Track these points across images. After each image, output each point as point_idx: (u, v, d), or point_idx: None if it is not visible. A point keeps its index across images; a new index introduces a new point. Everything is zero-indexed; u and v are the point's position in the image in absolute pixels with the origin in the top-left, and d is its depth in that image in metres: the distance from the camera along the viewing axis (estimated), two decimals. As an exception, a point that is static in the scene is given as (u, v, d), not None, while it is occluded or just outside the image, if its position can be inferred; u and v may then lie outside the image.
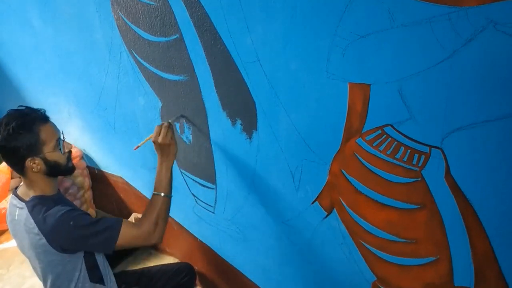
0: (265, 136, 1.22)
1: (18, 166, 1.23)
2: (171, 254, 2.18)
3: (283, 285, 1.53)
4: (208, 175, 1.55)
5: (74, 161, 2.24)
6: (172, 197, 1.33)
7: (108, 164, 2.24)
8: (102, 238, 1.21)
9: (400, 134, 0.92)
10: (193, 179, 1.65)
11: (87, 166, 2.38)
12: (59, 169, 1.28)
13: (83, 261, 1.30)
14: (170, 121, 1.34)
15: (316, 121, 1.06)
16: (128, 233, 1.23)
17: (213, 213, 1.64)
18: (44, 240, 1.20)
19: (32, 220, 1.22)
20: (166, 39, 1.33)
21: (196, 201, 1.71)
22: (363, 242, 1.14)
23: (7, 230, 2.53)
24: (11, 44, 2.26)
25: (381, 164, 0.98)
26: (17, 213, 1.28)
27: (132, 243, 1.26)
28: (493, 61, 0.73)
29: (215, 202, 1.60)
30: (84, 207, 2.40)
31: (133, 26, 1.42)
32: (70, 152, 1.32)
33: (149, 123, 1.66)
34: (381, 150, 0.97)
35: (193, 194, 1.70)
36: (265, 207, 1.39)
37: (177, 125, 1.51)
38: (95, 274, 1.35)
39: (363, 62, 0.90)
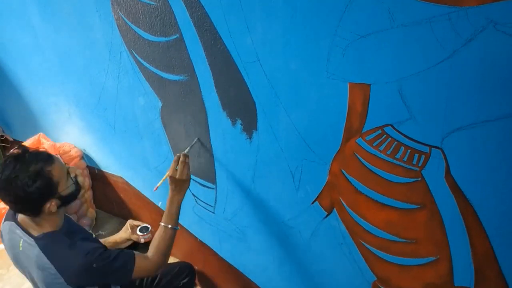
0: (265, 136, 1.22)
1: (34, 212, 1.18)
2: (171, 254, 2.18)
3: (283, 285, 1.53)
4: (208, 175, 1.55)
5: (74, 161, 2.24)
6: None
7: (108, 164, 2.24)
8: (119, 274, 1.25)
9: (400, 134, 0.92)
10: (193, 179, 1.65)
11: (87, 166, 2.38)
12: (73, 197, 1.26)
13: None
14: (186, 152, 1.38)
15: (316, 121, 1.06)
16: (141, 267, 1.27)
17: (213, 213, 1.64)
18: (62, 280, 1.18)
19: (47, 260, 1.17)
20: (166, 39, 1.33)
21: (196, 201, 1.71)
22: (363, 242, 1.14)
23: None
24: (11, 44, 2.25)
25: (381, 164, 0.98)
26: (21, 245, 1.22)
27: (144, 275, 1.32)
28: (493, 61, 0.73)
29: (215, 202, 1.60)
30: (84, 207, 2.40)
31: (133, 26, 1.42)
32: (75, 176, 1.29)
33: (149, 123, 1.66)
34: (381, 150, 0.97)
35: (193, 194, 1.70)
36: (265, 207, 1.39)
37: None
38: None
39: (363, 62, 0.90)
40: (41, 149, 1.22)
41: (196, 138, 1.47)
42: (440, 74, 0.80)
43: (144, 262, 1.28)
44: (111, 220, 2.48)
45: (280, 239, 1.40)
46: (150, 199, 2.05)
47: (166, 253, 1.33)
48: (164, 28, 1.31)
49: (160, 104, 1.55)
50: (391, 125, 0.93)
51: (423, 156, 0.90)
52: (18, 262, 1.29)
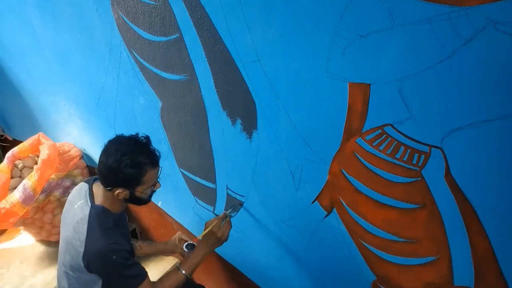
0: (265, 135, 1.22)
1: (107, 184, 1.25)
2: (170, 256, 2.18)
3: (283, 284, 1.54)
4: (208, 174, 1.55)
5: (74, 161, 2.24)
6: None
7: (108, 164, 2.24)
8: (124, 283, 1.27)
9: (400, 134, 0.92)
10: (193, 179, 1.65)
11: (87, 166, 2.38)
12: (137, 203, 1.33)
13: (101, 282, 1.32)
14: (228, 212, 1.39)
15: (316, 120, 1.06)
16: None
17: (213, 212, 1.64)
18: (82, 251, 1.23)
19: (85, 226, 1.25)
20: (166, 38, 1.33)
21: (196, 201, 1.71)
22: (363, 242, 1.14)
23: (7, 230, 2.53)
24: (11, 44, 2.25)
25: (381, 164, 0.98)
26: (78, 204, 1.32)
27: None
28: (493, 61, 0.73)
29: (215, 202, 1.60)
30: (84, 207, 2.40)
31: (133, 26, 1.42)
32: (154, 191, 1.35)
33: (149, 122, 1.66)
34: (381, 149, 0.97)
35: (193, 193, 1.70)
36: (265, 206, 1.39)
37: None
38: None
39: (363, 62, 0.90)
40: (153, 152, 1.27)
41: (240, 204, 1.47)
42: (440, 74, 0.80)
43: None
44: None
45: (280, 239, 1.40)
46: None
47: None
48: (164, 27, 1.31)
49: (160, 103, 1.55)
50: (391, 125, 0.93)
51: (423, 156, 0.90)
52: (65, 217, 1.37)
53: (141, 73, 1.54)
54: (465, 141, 0.83)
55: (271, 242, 1.45)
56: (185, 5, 1.20)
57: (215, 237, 1.34)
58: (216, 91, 1.28)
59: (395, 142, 0.93)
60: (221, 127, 1.35)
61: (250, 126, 1.25)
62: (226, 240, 1.36)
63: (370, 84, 0.92)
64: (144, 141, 1.27)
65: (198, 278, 2.00)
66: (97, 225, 1.25)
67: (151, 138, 1.67)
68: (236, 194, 1.47)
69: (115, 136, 1.27)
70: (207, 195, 1.62)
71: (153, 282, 1.33)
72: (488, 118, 0.78)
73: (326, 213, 1.19)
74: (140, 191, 1.26)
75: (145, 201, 1.33)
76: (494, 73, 0.74)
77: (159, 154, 1.29)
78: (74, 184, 2.29)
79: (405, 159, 0.93)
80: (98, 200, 1.31)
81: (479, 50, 0.74)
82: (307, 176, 1.18)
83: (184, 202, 1.78)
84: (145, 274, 1.30)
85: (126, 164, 1.18)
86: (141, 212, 2.26)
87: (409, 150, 0.92)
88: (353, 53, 0.91)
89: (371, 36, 0.86)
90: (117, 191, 1.23)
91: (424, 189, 0.93)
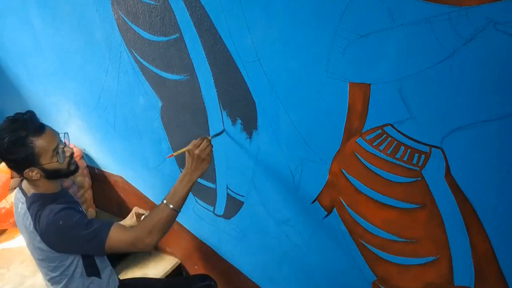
0: (265, 135, 1.22)
1: (18, 173, 1.25)
2: (171, 254, 2.18)
3: (283, 284, 1.54)
4: (208, 174, 1.55)
5: (74, 161, 2.24)
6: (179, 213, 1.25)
7: (108, 164, 2.24)
8: (90, 240, 1.18)
9: (400, 134, 0.92)
10: (193, 179, 1.65)
11: (87, 166, 2.38)
12: (60, 175, 1.28)
13: (81, 258, 1.31)
14: (210, 137, 1.28)
15: (316, 120, 1.06)
16: (117, 237, 1.19)
17: (213, 212, 1.64)
18: (38, 238, 1.22)
19: (29, 216, 1.24)
20: (166, 38, 1.33)
21: (196, 201, 1.71)
22: (363, 242, 1.14)
23: (7, 229, 2.53)
24: (11, 44, 2.25)
25: (381, 164, 0.98)
26: (19, 207, 1.31)
27: (121, 247, 1.21)
28: (493, 61, 0.73)
29: (215, 202, 1.60)
30: (84, 207, 2.40)
31: (133, 26, 1.42)
32: (71, 155, 1.30)
33: (149, 122, 1.66)
34: (381, 149, 0.97)
35: (193, 193, 1.70)
36: (265, 206, 1.39)
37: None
38: (92, 270, 1.35)
39: (363, 62, 0.90)
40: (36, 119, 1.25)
41: (223, 129, 1.36)
42: (440, 74, 0.80)
43: (120, 233, 1.19)
44: (111, 220, 2.48)
45: (280, 239, 1.40)
46: (150, 198, 2.05)
47: (152, 230, 1.18)
48: (164, 27, 1.31)
49: (160, 103, 1.55)
50: (391, 125, 0.93)
51: (423, 156, 0.90)
52: (18, 224, 1.35)
53: (141, 73, 1.54)
54: (465, 141, 0.83)
55: (271, 242, 1.45)
56: (185, 5, 1.20)
57: (194, 156, 1.19)
58: (216, 91, 1.28)
59: (395, 142, 0.93)
60: (221, 127, 1.35)
61: (250, 126, 1.25)
62: (208, 160, 1.21)
63: (370, 84, 0.92)
64: (20, 116, 1.22)
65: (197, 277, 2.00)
66: (37, 209, 1.23)
67: (152, 138, 1.67)
68: (236, 194, 1.47)
69: None
70: (207, 195, 1.62)
71: (130, 228, 1.24)
72: (488, 118, 0.78)
73: (326, 213, 1.19)
74: (47, 163, 1.21)
75: (66, 170, 1.27)
76: (494, 73, 0.74)
77: (39, 121, 1.24)
78: (74, 183, 2.30)
79: (405, 159, 0.93)
80: (29, 191, 1.29)
81: (479, 50, 0.74)
82: (307, 176, 1.18)
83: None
84: (109, 224, 1.21)
85: (8, 145, 1.15)
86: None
87: (409, 150, 0.92)
88: (353, 53, 0.91)
89: (371, 36, 0.86)
90: (27, 173, 1.21)
91: (424, 189, 0.93)
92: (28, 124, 1.20)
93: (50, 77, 2.13)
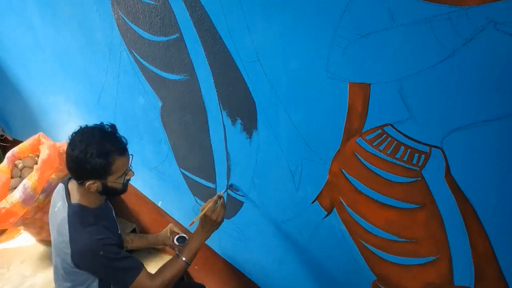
0: (265, 135, 1.22)
1: (77, 178, 1.24)
2: (171, 254, 2.18)
3: (283, 284, 1.54)
4: (208, 174, 1.55)
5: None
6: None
7: (108, 164, 2.24)
8: (119, 277, 1.25)
9: (400, 134, 0.92)
10: (193, 179, 1.65)
11: (87, 166, 2.38)
12: (113, 193, 1.31)
13: (98, 280, 1.32)
14: (221, 193, 1.36)
15: (316, 120, 1.06)
16: (141, 283, 1.25)
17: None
18: (68, 252, 1.23)
19: (66, 227, 1.24)
20: (166, 38, 1.33)
21: (196, 201, 1.71)
22: (363, 242, 1.14)
23: (7, 229, 2.53)
24: (11, 43, 2.26)
25: (381, 164, 0.98)
26: (58, 206, 1.31)
27: None
28: (493, 61, 0.73)
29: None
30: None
31: (133, 26, 1.42)
32: (128, 180, 1.33)
33: (149, 122, 1.66)
34: (381, 149, 0.97)
35: (193, 193, 1.70)
36: (265, 206, 1.39)
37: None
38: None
39: (363, 62, 0.90)
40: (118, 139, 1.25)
41: (230, 184, 1.46)
42: (440, 74, 0.80)
43: (145, 281, 1.27)
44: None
45: (280, 239, 1.40)
46: (150, 198, 2.06)
47: (169, 283, 1.30)
48: (164, 27, 1.31)
49: (160, 103, 1.55)
50: (391, 125, 0.93)
51: (423, 156, 0.90)
52: (51, 220, 1.36)
53: (141, 73, 1.54)
54: (465, 141, 0.83)
55: (271, 242, 1.45)
56: (185, 5, 1.20)
57: (211, 221, 1.30)
58: (216, 91, 1.28)
59: (395, 142, 0.93)
60: (221, 127, 1.35)
61: (250, 126, 1.25)
62: (222, 222, 1.32)
63: (370, 84, 0.92)
64: (109, 129, 1.24)
65: (198, 277, 2.01)
66: (77, 224, 1.23)
67: (152, 138, 1.67)
68: (236, 194, 1.47)
69: (79, 127, 1.24)
70: (207, 195, 1.62)
71: (153, 273, 1.31)
72: (488, 118, 0.78)
73: (326, 213, 1.19)
74: (112, 181, 1.23)
75: (120, 191, 1.31)
76: (494, 73, 0.74)
77: (126, 141, 1.26)
78: (74, 184, 2.30)
79: (405, 159, 0.93)
80: (75, 198, 1.29)
81: (479, 50, 0.74)
82: (307, 176, 1.18)
83: (184, 202, 1.78)
84: (140, 266, 1.28)
85: (92, 154, 1.15)
86: (141, 212, 2.26)
87: (409, 150, 0.92)
88: (353, 53, 0.91)
89: (371, 36, 0.86)
90: (87, 183, 1.21)
91: (424, 189, 0.93)
92: (118, 142, 1.23)
93: (50, 77, 2.13)
